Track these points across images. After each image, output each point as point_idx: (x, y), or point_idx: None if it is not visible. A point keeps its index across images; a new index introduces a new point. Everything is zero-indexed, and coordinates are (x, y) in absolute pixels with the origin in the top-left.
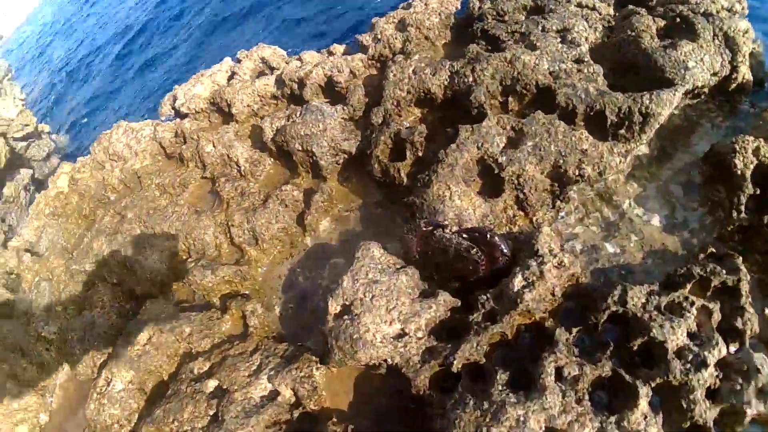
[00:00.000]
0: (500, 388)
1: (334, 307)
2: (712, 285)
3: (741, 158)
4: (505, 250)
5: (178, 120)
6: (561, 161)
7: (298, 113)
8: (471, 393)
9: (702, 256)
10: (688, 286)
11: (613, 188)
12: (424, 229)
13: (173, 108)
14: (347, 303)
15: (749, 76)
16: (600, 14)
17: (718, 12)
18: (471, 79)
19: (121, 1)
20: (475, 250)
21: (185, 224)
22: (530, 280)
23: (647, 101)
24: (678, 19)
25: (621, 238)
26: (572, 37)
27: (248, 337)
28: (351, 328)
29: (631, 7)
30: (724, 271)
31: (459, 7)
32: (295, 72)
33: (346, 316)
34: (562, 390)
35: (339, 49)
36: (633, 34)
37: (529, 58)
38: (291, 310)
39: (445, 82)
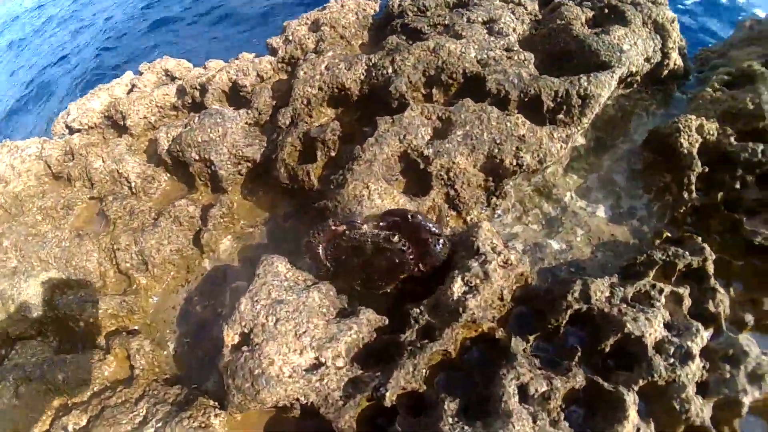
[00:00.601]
0: (451, 420)
1: (230, 337)
2: (678, 269)
3: (686, 137)
4: (433, 229)
5: (68, 137)
6: (496, 150)
7: (196, 119)
8: (413, 430)
9: (658, 242)
10: (651, 274)
11: (552, 182)
12: (333, 229)
13: (66, 126)
14: (246, 331)
15: (681, 63)
16: (526, 9)
17: (645, 2)
18: (390, 70)
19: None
20: (396, 237)
21: (65, 251)
22: (473, 284)
23: (585, 83)
24: (606, 10)
25: (566, 234)
26: (499, 27)
27: (134, 382)
28: (251, 362)
29: (557, 0)
30: (687, 253)
31: (378, 9)
32: (197, 78)
33: (245, 347)
34: (531, 412)
35: (248, 57)
36: (563, 22)
37: (454, 46)
38: (187, 345)
39: (362, 77)
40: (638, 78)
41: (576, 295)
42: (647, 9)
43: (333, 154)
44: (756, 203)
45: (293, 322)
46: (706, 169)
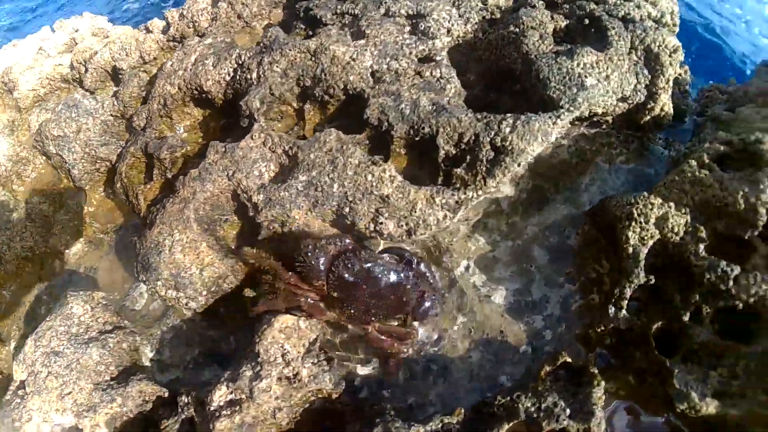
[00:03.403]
0: None
1: (18, 373)
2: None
3: (637, 229)
4: (434, 283)
5: None
6: (347, 209)
7: (58, 107)
8: None
9: (548, 368)
10: (506, 427)
11: (448, 243)
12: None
13: None
14: (26, 374)
15: (669, 109)
16: (484, 2)
17: (642, 20)
18: (255, 75)
19: None
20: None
21: None
22: (237, 399)
23: (507, 129)
24: (587, 21)
25: (443, 317)
26: (426, 26)
27: None
28: (16, 412)
29: None
30: (567, 411)
31: None
32: (83, 53)
33: (20, 391)
34: None
35: (158, 25)
36: (516, 30)
37: (343, 50)
38: None
39: (227, 77)
40: (609, 119)
41: None
42: (641, 31)
43: (170, 175)
44: (700, 349)
45: (61, 380)
46: (652, 281)
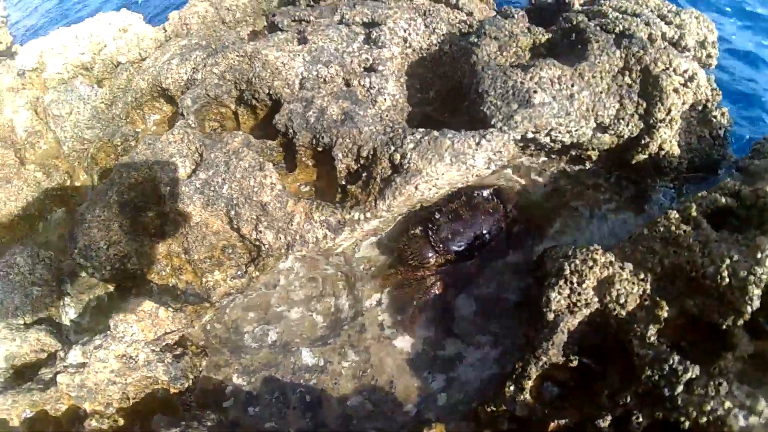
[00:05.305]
0: None
1: None
2: None
3: (565, 292)
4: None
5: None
6: (233, 212)
7: (61, 90)
8: None
9: None
10: None
11: (364, 269)
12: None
13: None
14: None
15: (674, 149)
16: (459, 12)
17: (652, 39)
18: (200, 75)
19: None
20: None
21: None
22: (83, 362)
23: (410, 145)
24: (573, 35)
25: (331, 351)
26: (378, 34)
27: None
28: None
29: (506, 7)
30: None
31: None
32: (97, 45)
33: None
34: None
35: (175, 16)
36: (474, 40)
37: (275, 55)
38: None
39: (185, 77)
40: (591, 154)
41: None
42: (638, 48)
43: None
44: None
45: None
46: (575, 362)
